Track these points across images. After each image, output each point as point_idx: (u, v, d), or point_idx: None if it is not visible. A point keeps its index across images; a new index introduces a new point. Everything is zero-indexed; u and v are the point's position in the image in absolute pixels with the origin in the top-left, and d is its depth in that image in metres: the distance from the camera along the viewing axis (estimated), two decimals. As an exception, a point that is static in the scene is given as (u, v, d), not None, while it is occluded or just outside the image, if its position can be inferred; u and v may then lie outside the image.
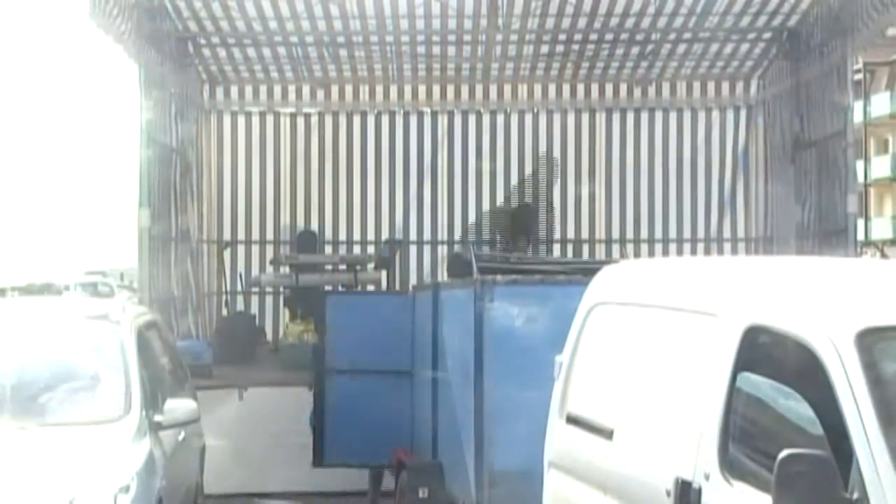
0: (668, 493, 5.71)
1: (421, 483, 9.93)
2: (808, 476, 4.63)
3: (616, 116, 18.45)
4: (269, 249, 18.00)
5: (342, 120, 18.39)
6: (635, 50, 17.28)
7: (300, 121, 18.41)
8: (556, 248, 18.34)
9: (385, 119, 18.45)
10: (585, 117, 18.51)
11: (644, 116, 18.40)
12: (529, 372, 8.66)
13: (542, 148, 18.37)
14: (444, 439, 10.33)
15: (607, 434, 6.60)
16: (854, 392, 4.79)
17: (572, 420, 7.22)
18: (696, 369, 5.84)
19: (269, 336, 17.34)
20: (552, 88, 18.33)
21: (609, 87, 18.29)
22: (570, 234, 18.42)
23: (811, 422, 5.00)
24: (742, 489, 5.21)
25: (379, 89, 18.29)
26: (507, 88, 18.33)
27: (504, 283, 9.34)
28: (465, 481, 9.30)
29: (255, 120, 18.35)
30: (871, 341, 4.97)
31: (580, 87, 18.32)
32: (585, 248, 18.34)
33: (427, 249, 18.28)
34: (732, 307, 5.74)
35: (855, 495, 4.65)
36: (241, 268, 18.20)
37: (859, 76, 51.47)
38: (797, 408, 5.16)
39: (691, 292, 6.33)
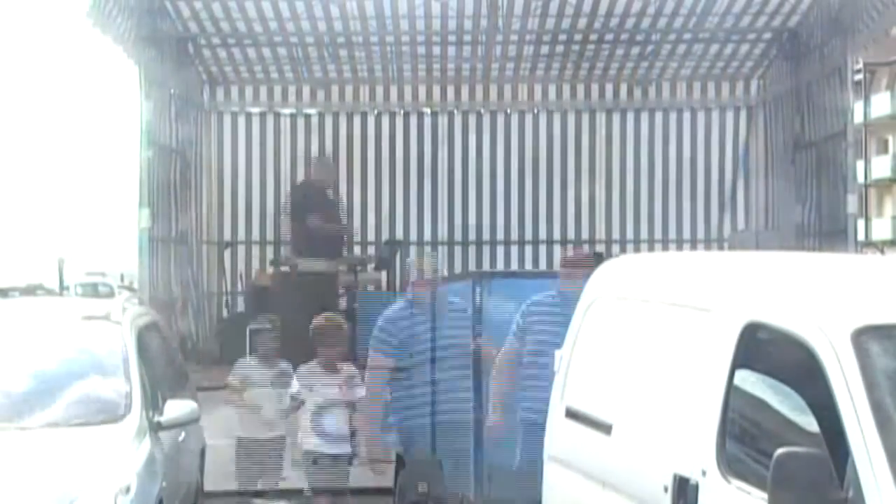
0: (666, 489, 5.73)
1: (420, 478, 9.93)
2: (804, 474, 4.64)
3: (616, 117, 18.47)
4: (269, 250, 18.01)
5: (342, 120, 18.41)
6: (635, 50, 17.30)
7: (300, 121, 18.42)
8: (556, 249, 18.35)
9: (385, 119, 18.47)
10: (585, 117, 18.52)
11: (644, 117, 18.41)
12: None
13: (543, 148, 18.38)
14: (442, 434, 10.34)
15: (606, 429, 6.62)
16: (850, 390, 4.80)
17: (571, 415, 7.24)
18: (695, 365, 5.85)
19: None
20: (552, 89, 18.35)
21: (609, 88, 18.30)
22: (571, 235, 18.42)
23: (808, 419, 5.02)
24: (739, 486, 5.23)
25: (379, 90, 18.31)
26: (507, 89, 18.35)
27: (501, 276, 9.38)
28: (465, 476, 9.32)
29: (256, 120, 18.36)
30: (867, 339, 4.98)
31: (580, 88, 18.33)
32: (585, 248, 18.33)
33: (427, 250, 18.26)
34: (731, 303, 5.76)
35: (850, 493, 4.66)
36: (241, 268, 18.21)
37: (859, 76, 51.48)
38: (794, 405, 5.18)
39: (691, 288, 6.35)
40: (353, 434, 10.66)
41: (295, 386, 10.29)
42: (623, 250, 17.89)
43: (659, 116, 18.42)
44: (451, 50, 17.37)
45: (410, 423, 9.55)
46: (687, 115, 18.45)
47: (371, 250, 18.08)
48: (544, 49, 17.35)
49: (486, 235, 17.99)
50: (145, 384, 8.80)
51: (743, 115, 18.40)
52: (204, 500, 10.78)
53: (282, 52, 17.38)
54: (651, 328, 6.58)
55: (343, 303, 16.11)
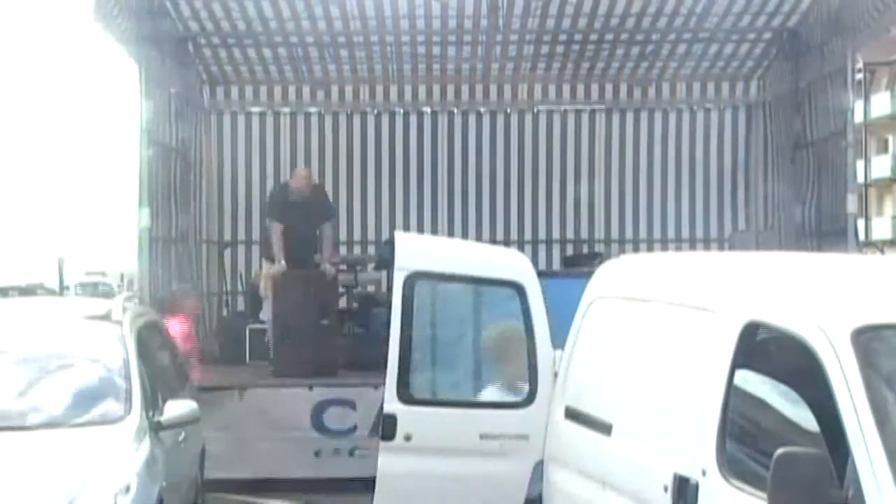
0: (666, 489, 5.73)
1: None
2: (804, 474, 4.64)
3: (616, 116, 18.45)
4: (270, 250, 17.99)
5: (342, 120, 18.40)
6: (635, 50, 17.29)
7: (300, 121, 18.41)
8: (556, 249, 18.36)
9: (385, 119, 18.45)
10: (585, 117, 18.51)
11: (644, 116, 18.40)
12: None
13: (542, 148, 18.38)
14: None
15: (606, 429, 6.63)
16: (850, 390, 4.81)
17: (571, 414, 7.25)
18: (695, 365, 5.86)
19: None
20: (552, 88, 18.33)
21: (609, 87, 18.28)
22: (570, 235, 18.42)
23: (808, 419, 5.02)
24: (739, 486, 5.23)
25: (379, 89, 18.29)
26: (507, 88, 18.33)
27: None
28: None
29: (255, 120, 18.35)
30: (867, 339, 4.99)
31: (580, 87, 18.31)
32: (585, 248, 18.33)
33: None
34: (731, 303, 5.76)
35: (850, 493, 4.66)
36: (241, 268, 18.20)
37: (859, 76, 51.47)
38: (794, 405, 5.18)
39: (690, 287, 6.36)
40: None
41: None
42: (623, 250, 17.86)
43: (659, 116, 18.41)
44: (451, 50, 17.35)
45: None
46: (687, 115, 18.44)
47: (371, 250, 18.09)
48: (544, 49, 17.34)
49: (486, 235, 17.98)
50: (145, 384, 8.80)
51: (743, 115, 18.38)
52: (204, 500, 10.80)
53: (282, 52, 17.36)
54: (651, 328, 6.59)
55: (343, 302, 16.14)
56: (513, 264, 8.91)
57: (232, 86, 18.20)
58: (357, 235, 18.43)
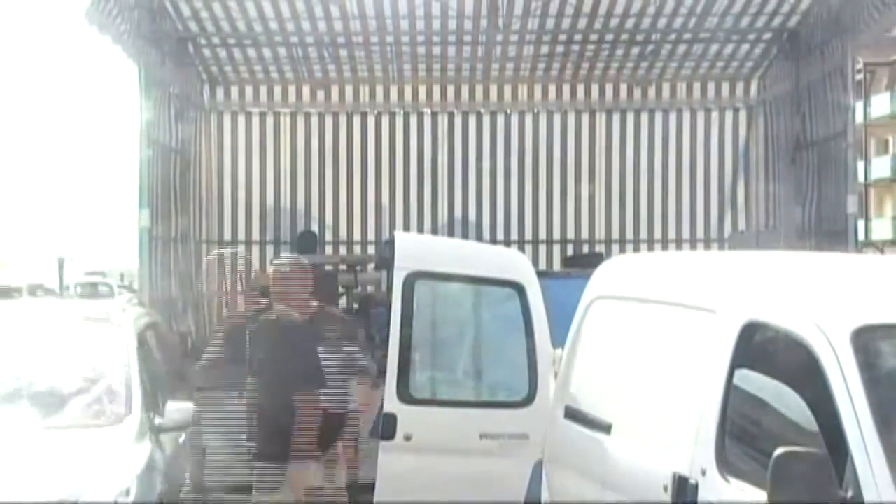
0: (666, 489, 5.73)
1: None
2: (804, 474, 4.64)
3: (616, 117, 18.46)
4: (270, 250, 18.01)
5: (342, 120, 18.41)
6: (635, 50, 17.30)
7: (300, 121, 18.42)
8: (556, 249, 18.36)
9: (385, 119, 18.47)
10: (585, 118, 18.52)
11: (644, 117, 18.41)
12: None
13: (543, 148, 18.40)
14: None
15: (605, 429, 6.63)
16: (850, 390, 4.80)
17: (571, 414, 7.25)
18: (695, 365, 5.86)
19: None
20: (552, 89, 18.34)
21: (609, 88, 18.30)
22: (570, 235, 18.43)
23: (807, 419, 5.01)
24: (738, 485, 5.23)
25: (379, 90, 18.31)
26: (507, 89, 18.34)
27: None
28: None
29: (255, 120, 18.36)
30: (867, 339, 4.98)
31: (580, 88, 18.33)
32: (585, 248, 18.34)
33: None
34: (730, 303, 5.75)
35: (850, 493, 4.66)
36: (240, 268, 18.18)
37: (860, 76, 51.48)
38: (793, 405, 5.17)
39: (690, 288, 6.36)
40: None
41: None
42: (623, 250, 17.88)
43: (659, 117, 18.42)
44: (451, 50, 17.37)
45: None
46: (687, 116, 18.45)
47: (371, 250, 18.09)
48: (544, 49, 17.35)
49: (486, 235, 17.99)
50: (146, 386, 8.79)
51: (743, 115, 18.39)
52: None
53: (282, 52, 17.37)
54: (650, 328, 6.59)
55: (343, 302, 16.13)
56: (513, 264, 8.92)
57: (232, 86, 18.22)
58: (357, 235, 18.44)
